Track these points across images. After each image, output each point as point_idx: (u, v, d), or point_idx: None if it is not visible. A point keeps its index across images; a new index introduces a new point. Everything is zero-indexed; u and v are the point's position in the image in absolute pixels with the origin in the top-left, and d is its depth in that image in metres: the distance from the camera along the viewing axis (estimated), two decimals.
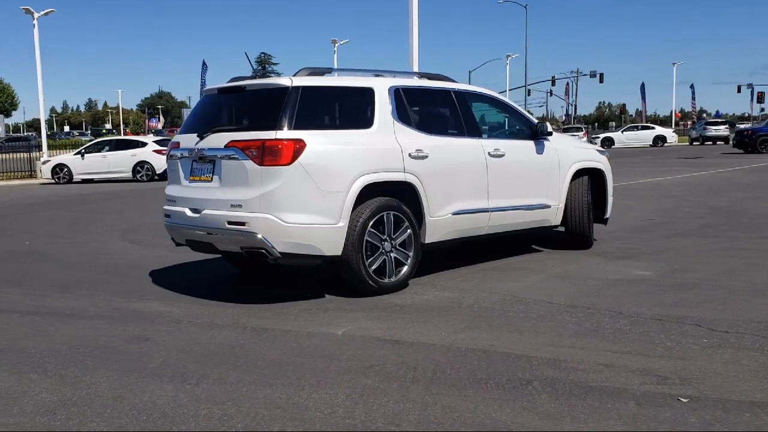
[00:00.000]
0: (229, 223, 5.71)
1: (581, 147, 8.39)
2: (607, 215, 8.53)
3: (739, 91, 78.78)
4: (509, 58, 56.82)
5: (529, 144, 7.55)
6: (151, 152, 25.20)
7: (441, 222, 6.55)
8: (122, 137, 28.44)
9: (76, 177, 25.70)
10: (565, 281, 6.53)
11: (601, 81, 65.14)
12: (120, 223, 12.39)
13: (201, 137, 6.04)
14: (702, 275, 6.62)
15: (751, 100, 78.23)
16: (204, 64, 33.27)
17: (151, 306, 5.99)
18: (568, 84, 70.02)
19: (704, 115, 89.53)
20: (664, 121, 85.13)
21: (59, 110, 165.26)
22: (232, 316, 5.55)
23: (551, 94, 75.56)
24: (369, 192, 5.95)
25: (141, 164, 25.13)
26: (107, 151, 25.92)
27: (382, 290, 6.06)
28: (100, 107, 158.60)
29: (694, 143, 55.34)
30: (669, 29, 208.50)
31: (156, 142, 25.99)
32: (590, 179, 8.14)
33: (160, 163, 24.98)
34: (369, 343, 4.76)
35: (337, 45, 37.70)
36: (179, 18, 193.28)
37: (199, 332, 5.14)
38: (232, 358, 4.51)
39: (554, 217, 7.81)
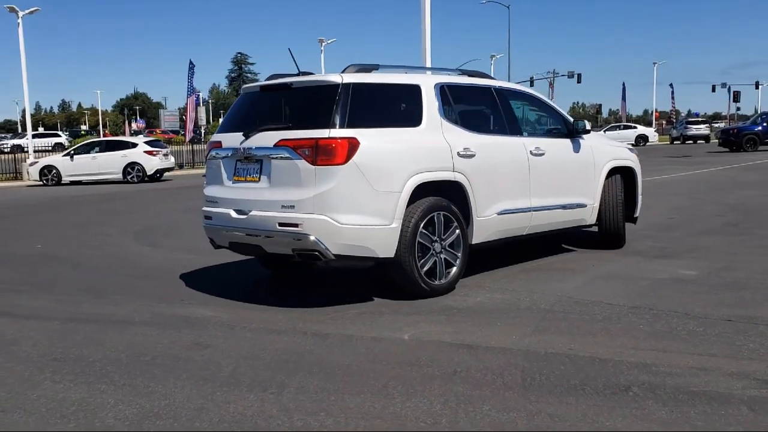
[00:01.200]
0: (281, 224, 5.52)
1: (614, 145, 8.31)
2: (637, 214, 8.46)
3: (713, 90, 79.72)
4: (493, 58, 56.98)
5: (566, 142, 7.45)
6: (141, 153, 24.84)
7: (487, 222, 6.42)
8: (112, 138, 28.03)
9: (65, 179, 25.24)
10: (613, 281, 6.43)
11: (578, 81, 65.40)
12: (128, 225, 12.10)
13: (247, 136, 5.85)
14: (748, 274, 6.55)
15: (729, 99, 79.14)
16: (191, 64, 32.85)
17: (197, 311, 5.78)
18: (551, 84, 70.24)
19: (682, 114, 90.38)
20: (637, 121, 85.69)
21: (32, 111, 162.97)
22: (285, 321, 5.37)
23: None
24: (419, 192, 5.80)
25: (132, 165, 24.75)
26: (97, 152, 25.49)
27: (433, 292, 5.92)
28: (74, 108, 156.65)
29: (675, 142, 55.90)
30: (641, 28, 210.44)
31: (146, 143, 25.60)
32: (622, 178, 8.06)
33: (150, 164, 24.69)
34: (442, 348, 4.61)
35: (324, 44, 37.49)
36: (154, 18, 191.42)
37: (259, 338, 4.96)
38: (305, 365, 4.34)
39: (590, 216, 7.72)
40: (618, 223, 7.89)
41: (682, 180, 18.13)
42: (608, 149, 8.01)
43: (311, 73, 6.27)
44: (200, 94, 32.16)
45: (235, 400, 3.80)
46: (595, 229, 8.07)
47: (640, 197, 8.43)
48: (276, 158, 5.60)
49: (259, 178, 5.77)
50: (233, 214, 5.88)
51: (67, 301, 6.34)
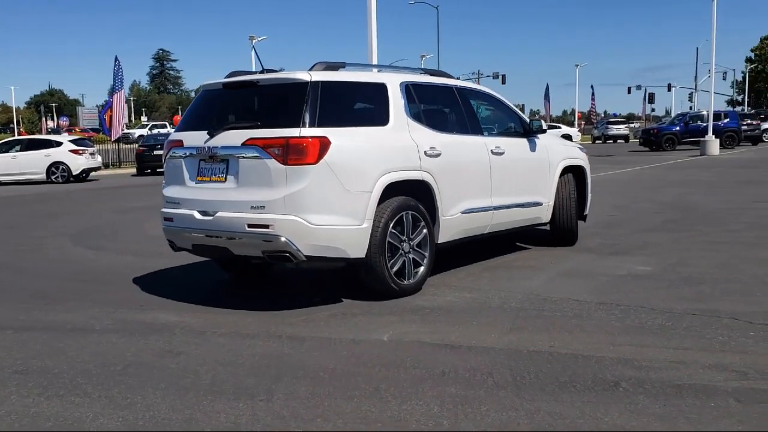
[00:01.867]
0: (250, 225, 5.37)
1: (566, 145, 8.47)
2: (586, 212, 8.65)
3: (629, 92, 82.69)
4: (423, 58, 57.34)
5: (523, 141, 7.54)
6: (67, 152, 23.92)
7: (452, 221, 6.42)
8: (35, 136, 26.79)
9: None
10: (575, 278, 6.54)
11: (503, 82, 66.61)
12: (63, 227, 11.60)
13: (211, 135, 5.67)
14: (702, 269, 6.77)
15: (644, 100, 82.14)
16: (117, 60, 31.79)
17: (160, 317, 5.57)
18: (479, 83, 71.32)
19: (601, 115, 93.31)
20: (557, 121, 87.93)
21: None
22: (256, 325, 5.23)
23: None
24: (388, 192, 5.75)
25: (56, 165, 23.81)
26: (17, 151, 24.39)
27: (402, 292, 5.88)
28: None
29: (597, 141, 57.71)
30: (562, 31, 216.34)
31: (72, 141, 24.64)
32: (573, 177, 8.21)
33: (76, 163, 23.82)
34: (423, 348, 4.57)
35: (254, 41, 36.98)
36: (71, 13, 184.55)
37: (232, 343, 4.81)
38: (288, 370, 4.22)
39: (545, 214, 7.84)
40: (572, 221, 8.04)
41: (612, 179, 18.69)
42: (562, 148, 8.16)
43: (275, 71, 6.12)
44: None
45: (223, 408, 3.66)
46: (547, 227, 8.20)
47: (589, 195, 8.62)
48: (244, 158, 5.45)
49: (225, 178, 5.60)
50: (197, 216, 5.69)
51: (17, 308, 6.00)
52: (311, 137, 5.30)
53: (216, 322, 5.35)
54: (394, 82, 6.18)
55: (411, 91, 6.28)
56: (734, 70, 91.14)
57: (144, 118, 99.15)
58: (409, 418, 3.48)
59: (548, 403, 3.60)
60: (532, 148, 7.60)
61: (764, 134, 41.98)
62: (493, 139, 7.08)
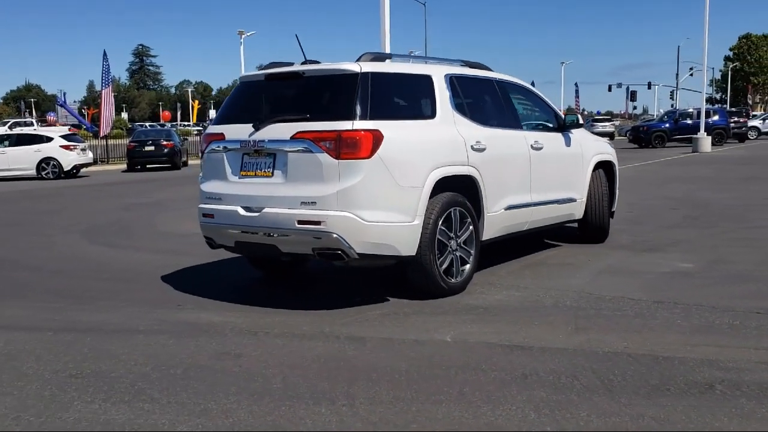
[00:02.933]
0: (300, 222, 5.17)
1: (597, 140, 8.33)
2: (614, 208, 8.52)
3: (610, 90, 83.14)
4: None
5: (559, 136, 7.39)
6: (57, 148, 23.45)
7: (496, 218, 6.26)
8: (25, 131, 26.20)
9: None
10: (619, 276, 6.40)
11: None
12: (69, 224, 11.29)
13: (257, 128, 5.45)
14: (744, 266, 6.66)
15: (626, 98, 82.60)
16: (105, 55, 31.25)
17: (203, 316, 5.35)
18: None
19: (586, 112, 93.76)
20: None
21: None
22: (308, 325, 5.03)
23: None
24: (437, 187, 5.57)
25: (46, 161, 23.34)
26: (7, 146, 23.84)
27: (450, 291, 5.70)
28: None
29: None
30: (547, 28, 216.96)
31: (63, 137, 24.15)
32: (604, 172, 8.09)
33: (67, 159, 23.40)
34: (493, 350, 4.40)
35: (243, 36, 36.56)
36: (49, 9, 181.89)
37: (291, 344, 4.60)
38: (360, 372, 4.04)
39: (579, 210, 7.70)
40: (604, 217, 7.92)
41: None
42: (594, 144, 8.03)
43: (317, 62, 5.92)
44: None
45: (306, 414, 3.47)
46: (574, 224, 8.06)
47: (617, 191, 8.50)
48: (293, 151, 5.24)
49: (272, 173, 5.39)
50: (241, 212, 5.47)
51: (47, 308, 5.75)
52: (364, 130, 5.11)
53: (264, 322, 5.14)
54: (438, 74, 6.00)
55: (455, 83, 6.10)
56: (713, 68, 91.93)
57: (124, 115, 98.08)
58: (508, 424, 3.31)
59: (649, 408, 3.44)
60: (567, 143, 7.45)
61: (750, 131, 42.34)
62: (531, 133, 6.93)
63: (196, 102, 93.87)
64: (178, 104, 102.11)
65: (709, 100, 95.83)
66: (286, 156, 5.29)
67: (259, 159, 5.47)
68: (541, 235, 8.47)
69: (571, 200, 7.50)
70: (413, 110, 5.80)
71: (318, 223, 5.11)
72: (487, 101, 6.60)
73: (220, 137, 5.72)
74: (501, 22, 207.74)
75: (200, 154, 6.04)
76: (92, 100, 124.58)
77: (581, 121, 7.56)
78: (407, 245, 5.33)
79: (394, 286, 6.00)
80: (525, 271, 6.67)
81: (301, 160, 5.21)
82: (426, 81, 5.86)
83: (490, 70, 6.96)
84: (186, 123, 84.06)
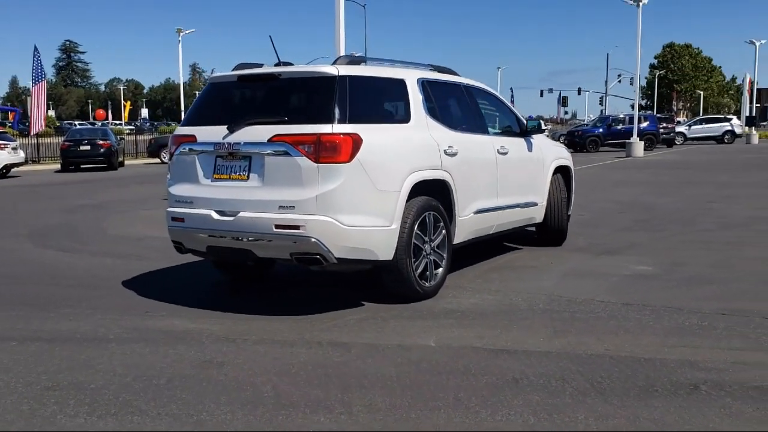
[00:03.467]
0: (278, 226, 5.09)
1: (555, 144, 8.50)
2: (570, 212, 8.70)
3: (542, 95, 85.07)
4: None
5: (522, 141, 7.50)
6: None
7: (466, 221, 6.31)
8: None
9: None
10: (585, 278, 6.53)
11: None
12: (12, 228, 10.84)
13: (231, 130, 5.34)
14: (701, 268, 6.90)
15: (558, 103, 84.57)
16: (36, 50, 30.14)
17: (176, 323, 5.22)
18: None
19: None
20: None
21: None
22: (287, 331, 4.96)
23: None
24: (412, 192, 5.57)
25: None
26: None
27: (425, 295, 5.72)
28: None
29: None
30: (479, 32, 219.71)
31: None
32: (561, 176, 8.25)
33: None
34: (479, 354, 4.42)
35: (182, 34, 35.86)
36: None
37: (273, 351, 4.53)
38: (350, 379, 4.00)
39: (540, 214, 7.83)
40: (563, 220, 8.08)
41: None
42: (553, 148, 8.18)
43: (291, 63, 5.85)
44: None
45: (305, 423, 3.42)
46: (532, 228, 8.18)
47: (573, 195, 8.68)
48: (271, 155, 5.16)
49: (248, 176, 5.29)
50: (215, 216, 5.35)
51: (6, 317, 5.49)
52: (343, 134, 5.07)
53: (240, 329, 5.05)
54: (411, 78, 6.01)
55: (427, 87, 6.12)
56: (639, 75, 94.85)
57: (51, 112, 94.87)
58: (510, 429, 3.33)
59: (642, 409, 3.52)
60: (529, 147, 7.57)
61: (677, 137, 43.90)
62: (497, 138, 7.01)
63: (128, 102, 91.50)
64: (109, 103, 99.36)
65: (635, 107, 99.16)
66: (263, 159, 5.20)
67: (233, 162, 5.36)
68: (501, 238, 8.58)
69: (533, 204, 7.62)
70: (389, 114, 5.80)
71: (296, 227, 5.04)
72: (456, 106, 6.65)
73: (191, 139, 5.59)
74: (442, 23, 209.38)
75: (168, 156, 5.88)
76: (15, 96, 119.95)
77: (543, 127, 7.69)
78: (385, 250, 5.31)
79: (365, 290, 6.00)
80: (492, 275, 6.74)
81: (278, 164, 5.14)
82: (400, 85, 5.86)
83: (457, 74, 7.01)
84: (117, 122, 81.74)
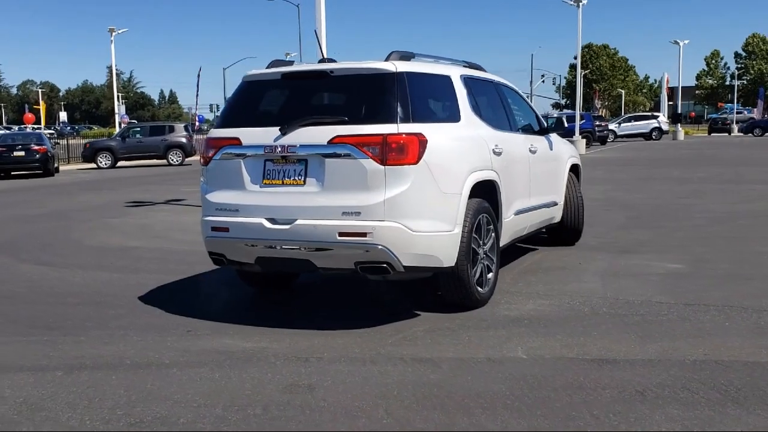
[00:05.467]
0: (342, 234, 4.72)
1: (565, 142, 8.36)
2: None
3: None
4: (288, 56, 56.32)
5: (543, 139, 7.32)
6: None
7: (509, 223, 6.09)
8: None
9: None
10: (625, 278, 6.40)
11: None
12: None
13: (284, 132, 4.93)
14: (726, 265, 6.89)
15: None
16: None
17: (228, 342, 4.79)
18: None
19: None
20: None
21: None
22: (358, 347, 4.61)
23: None
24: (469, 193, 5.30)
25: None
26: None
27: (480, 302, 5.45)
28: None
29: None
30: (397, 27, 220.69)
31: None
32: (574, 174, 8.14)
33: None
34: (580, 365, 4.17)
35: (114, 34, 34.41)
36: None
37: (356, 371, 4.17)
38: (463, 398, 3.69)
39: (559, 213, 7.69)
40: (579, 219, 7.96)
41: None
42: (567, 146, 8.06)
43: (333, 60, 5.48)
44: None
45: None
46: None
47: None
48: (332, 157, 4.78)
49: (305, 181, 4.90)
50: (267, 224, 4.93)
51: (31, 342, 4.93)
52: (410, 134, 4.76)
53: (303, 346, 4.66)
54: (455, 74, 5.74)
55: (469, 84, 5.86)
56: (560, 75, 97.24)
57: None
58: None
59: None
60: (550, 146, 7.41)
61: (609, 135, 45.08)
62: (527, 136, 6.81)
63: (44, 103, 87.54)
64: (26, 106, 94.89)
65: (557, 106, 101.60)
66: (323, 162, 4.82)
67: (286, 166, 4.96)
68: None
69: (555, 204, 7.47)
70: (442, 112, 5.51)
71: (363, 234, 4.69)
72: (492, 103, 6.40)
73: (234, 142, 5.13)
74: (375, 23, 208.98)
75: (203, 161, 5.39)
76: None
77: (565, 125, 7.53)
78: (449, 256, 5.02)
79: (403, 297, 5.70)
80: (528, 277, 6.53)
81: (340, 167, 4.77)
82: (447, 81, 5.58)
83: (485, 71, 6.77)
84: (36, 126, 78.06)
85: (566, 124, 36.32)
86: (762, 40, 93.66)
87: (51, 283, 6.91)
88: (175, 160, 30.01)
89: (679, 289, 5.90)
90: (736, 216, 10.32)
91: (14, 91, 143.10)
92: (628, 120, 50.56)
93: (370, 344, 4.66)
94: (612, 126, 48.95)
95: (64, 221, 11.86)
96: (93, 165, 29.54)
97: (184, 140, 30.33)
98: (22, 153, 24.01)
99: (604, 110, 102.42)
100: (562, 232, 7.96)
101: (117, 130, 37.72)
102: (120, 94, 67.21)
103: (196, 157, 34.02)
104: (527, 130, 7.16)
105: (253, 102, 5.38)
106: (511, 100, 6.88)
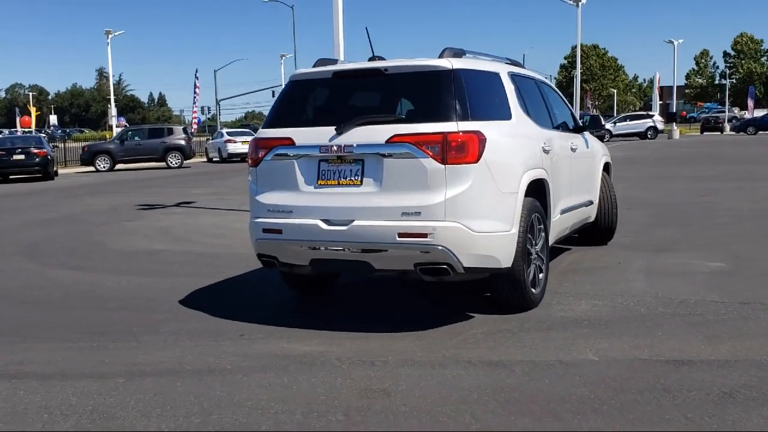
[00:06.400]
0: (402, 235, 4.62)
1: (597, 140, 8.28)
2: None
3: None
4: (283, 57, 56.36)
5: (579, 137, 7.23)
6: None
7: (556, 223, 6.01)
8: None
9: None
10: (670, 277, 6.32)
11: None
12: None
13: (339, 132, 4.82)
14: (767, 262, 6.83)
15: None
16: None
17: (285, 346, 4.68)
18: None
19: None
20: None
21: None
22: (419, 350, 4.52)
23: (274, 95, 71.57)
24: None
25: None
26: None
27: (533, 303, 5.36)
28: None
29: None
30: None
31: None
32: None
33: None
34: (655, 366, 4.09)
35: (111, 36, 34.19)
36: None
37: (427, 375, 4.07)
38: (548, 402, 3.61)
39: (594, 213, 7.61)
40: (613, 218, 7.89)
41: None
42: (600, 145, 7.98)
43: (383, 58, 5.38)
44: None
45: None
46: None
47: None
48: (390, 157, 4.68)
49: (362, 181, 4.79)
50: (323, 226, 4.83)
51: (82, 348, 4.81)
52: (469, 132, 4.67)
53: (364, 349, 4.57)
54: (503, 71, 5.65)
55: (516, 81, 5.77)
56: (551, 75, 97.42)
57: None
58: None
59: None
60: (586, 144, 7.33)
61: (605, 134, 45.10)
62: (567, 135, 6.73)
63: (35, 108, 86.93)
64: (17, 109, 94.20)
65: None
66: (381, 162, 4.72)
67: (342, 166, 4.85)
68: None
69: (590, 203, 7.39)
70: (495, 110, 5.40)
71: (424, 235, 4.59)
72: (536, 101, 6.31)
73: (287, 142, 5.02)
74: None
75: (252, 162, 5.27)
76: None
77: (603, 123, 7.45)
78: (507, 256, 4.93)
79: (449, 298, 5.62)
80: (572, 277, 6.44)
81: (399, 166, 4.67)
82: (497, 79, 5.49)
83: (525, 68, 6.69)
84: (27, 129, 77.53)
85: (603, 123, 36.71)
86: (750, 40, 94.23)
87: (85, 288, 6.78)
88: (174, 162, 29.83)
89: (730, 288, 5.83)
90: (763, 214, 10.26)
91: (2, 94, 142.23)
92: (624, 119, 50.64)
93: (432, 347, 4.56)
94: (608, 125, 49.05)
95: (81, 225, 11.71)
96: (91, 168, 29.30)
97: (183, 143, 30.15)
98: (22, 156, 23.76)
99: (595, 110, 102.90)
100: (596, 232, 7.88)
101: (113, 133, 37.52)
102: (107, 97, 66.75)
103: (195, 160, 33.98)
104: (565, 128, 7.08)
105: (303, 101, 5.27)
106: (550, 97, 6.79)
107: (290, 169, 5.00)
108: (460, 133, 4.63)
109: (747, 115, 62.78)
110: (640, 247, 7.84)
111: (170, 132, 30.76)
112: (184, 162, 30.16)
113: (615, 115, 67.31)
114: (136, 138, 30.43)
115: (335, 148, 4.83)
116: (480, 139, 4.70)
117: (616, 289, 5.92)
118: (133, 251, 8.83)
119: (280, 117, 5.26)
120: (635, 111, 73.50)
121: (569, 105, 7.43)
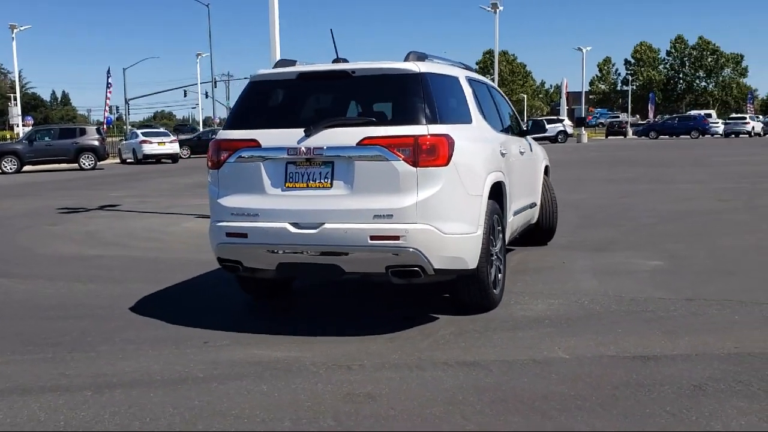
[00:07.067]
0: (374, 237, 4.62)
1: (538, 144, 8.49)
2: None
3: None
4: (199, 56, 55.08)
5: (524, 141, 7.42)
6: None
7: (510, 224, 6.14)
8: None
9: None
10: (616, 276, 6.55)
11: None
12: None
13: (308, 134, 4.77)
14: (701, 261, 7.22)
15: None
16: None
17: (257, 353, 4.59)
18: (227, 85, 69.30)
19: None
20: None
21: None
22: (393, 353, 4.52)
23: (207, 96, 69.27)
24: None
25: None
26: None
27: (495, 303, 5.46)
28: None
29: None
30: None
31: None
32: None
33: None
34: (624, 363, 4.23)
35: (15, 31, 32.52)
36: None
37: (407, 377, 4.08)
38: (532, 402, 3.68)
39: (536, 214, 7.81)
40: (554, 219, 8.12)
41: None
42: (540, 148, 8.20)
43: (346, 60, 5.35)
44: None
45: None
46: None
47: None
48: (361, 159, 4.66)
49: (332, 184, 4.75)
50: (291, 229, 4.76)
51: (37, 360, 4.56)
52: (439, 135, 4.71)
53: (336, 353, 4.53)
54: (462, 76, 5.74)
55: (473, 86, 5.87)
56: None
57: None
58: None
59: None
60: (531, 147, 7.52)
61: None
62: (516, 138, 6.89)
63: None
64: None
65: None
66: (351, 164, 4.69)
67: (311, 168, 4.80)
68: None
69: (534, 205, 7.59)
70: (458, 114, 5.46)
71: (396, 237, 4.60)
72: (490, 105, 6.43)
73: (252, 144, 4.92)
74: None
75: (211, 164, 5.13)
76: None
77: (546, 127, 7.67)
78: (473, 257, 5.00)
79: (398, 299, 5.65)
80: (523, 278, 6.59)
81: (371, 169, 4.66)
82: (457, 83, 5.57)
83: (475, 72, 6.80)
84: None
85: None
86: (649, 48, 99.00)
87: (21, 297, 6.43)
88: (87, 164, 28.73)
89: (673, 285, 6.10)
90: (683, 215, 10.77)
91: None
92: None
93: (405, 349, 4.57)
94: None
95: (0, 229, 11.10)
96: None
97: (96, 143, 29.08)
98: None
99: None
100: (537, 232, 8.08)
101: (16, 133, 35.75)
102: (11, 95, 63.59)
103: (109, 161, 32.81)
104: (513, 131, 7.24)
105: (267, 103, 5.18)
106: (500, 101, 6.93)
107: (256, 171, 4.91)
108: (430, 136, 4.66)
109: (650, 119, 65.90)
110: (578, 247, 8.11)
111: (83, 132, 29.58)
112: (98, 163, 29.06)
113: (525, 119, 69.18)
114: (46, 138, 29.12)
115: (304, 150, 4.77)
116: (449, 142, 4.74)
117: (568, 288, 6.10)
118: (64, 257, 8.45)
119: (243, 118, 5.15)
120: (543, 116, 75.94)
121: (515, 109, 7.59)
